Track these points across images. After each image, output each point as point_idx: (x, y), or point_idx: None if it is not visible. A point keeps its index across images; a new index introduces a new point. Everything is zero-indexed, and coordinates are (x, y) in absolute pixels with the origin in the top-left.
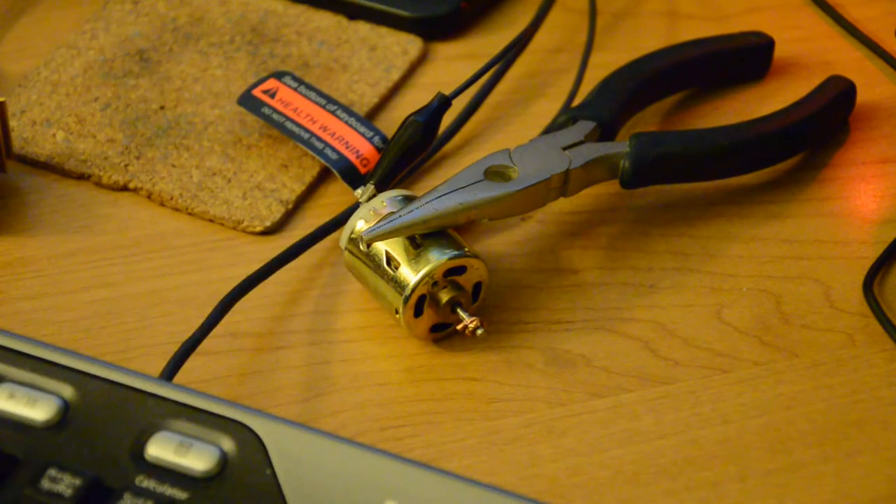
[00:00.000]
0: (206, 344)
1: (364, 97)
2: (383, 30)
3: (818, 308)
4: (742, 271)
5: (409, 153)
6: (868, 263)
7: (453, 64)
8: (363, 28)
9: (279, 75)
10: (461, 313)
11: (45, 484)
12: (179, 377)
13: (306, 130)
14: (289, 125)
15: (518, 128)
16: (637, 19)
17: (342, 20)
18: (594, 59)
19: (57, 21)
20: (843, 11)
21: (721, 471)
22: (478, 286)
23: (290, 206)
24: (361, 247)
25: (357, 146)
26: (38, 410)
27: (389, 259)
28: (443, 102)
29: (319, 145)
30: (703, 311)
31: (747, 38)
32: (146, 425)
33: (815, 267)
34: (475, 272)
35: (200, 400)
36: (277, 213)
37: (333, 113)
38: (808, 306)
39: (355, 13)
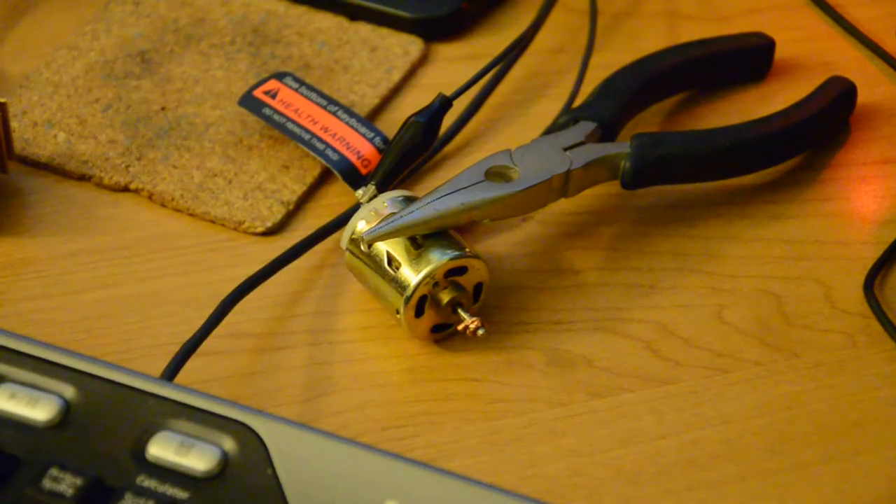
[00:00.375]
0: (208, 344)
1: (365, 98)
2: (384, 31)
3: (819, 308)
4: (743, 272)
5: (410, 154)
6: (869, 264)
7: (454, 65)
8: (364, 29)
9: (280, 76)
10: (462, 314)
11: (47, 484)
12: (180, 377)
13: (307, 131)
14: (290, 126)
15: (519, 128)
16: (638, 20)
17: (343, 21)
18: (595, 59)
19: (58, 22)
20: (844, 12)
21: (722, 471)
22: (479, 286)
23: (290, 207)
24: (362, 247)
25: (358, 147)
26: (39, 410)
27: (390, 259)
28: (444, 103)
29: (320, 146)
30: (703, 311)
31: (748, 38)
32: (147, 425)
33: (815, 267)
34: (476, 272)
35: (201, 400)
36: (278, 213)
37: (334, 114)
38: (809, 307)
39: (356, 14)
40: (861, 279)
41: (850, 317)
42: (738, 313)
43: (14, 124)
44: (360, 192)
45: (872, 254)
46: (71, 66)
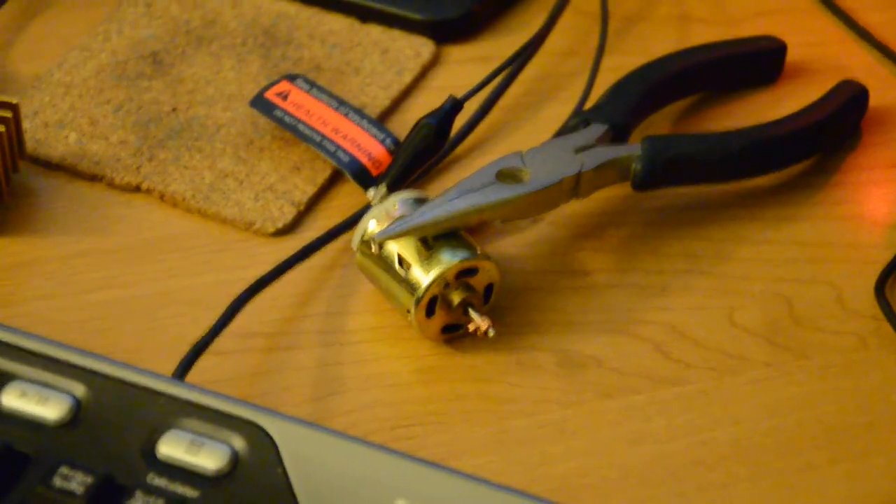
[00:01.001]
0: (218, 344)
1: (376, 100)
2: (395, 32)
3: (830, 311)
4: (754, 274)
5: (421, 155)
6: (880, 267)
7: (465, 67)
8: (375, 31)
9: (291, 78)
10: (473, 314)
11: (58, 482)
12: (191, 377)
13: (318, 133)
14: (301, 127)
15: (530, 130)
16: (649, 23)
17: (354, 23)
18: (606, 62)
19: (70, 23)
20: (856, 16)
21: (731, 472)
22: (489, 287)
23: (301, 208)
24: (373, 248)
25: (369, 148)
26: (50, 409)
27: (401, 260)
28: (455, 105)
29: (331, 147)
30: (714, 313)
31: (759, 42)
32: (158, 424)
33: (826, 270)
34: (487, 273)
35: (212, 399)
36: (289, 214)
37: (345, 115)
38: (820, 309)
39: (367, 16)
40: (872, 282)
41: (861, 319)
42: (748, 315)
43: (26, 125)
44: (370, 192)
45: (883, 257)
46: (83, 67)
